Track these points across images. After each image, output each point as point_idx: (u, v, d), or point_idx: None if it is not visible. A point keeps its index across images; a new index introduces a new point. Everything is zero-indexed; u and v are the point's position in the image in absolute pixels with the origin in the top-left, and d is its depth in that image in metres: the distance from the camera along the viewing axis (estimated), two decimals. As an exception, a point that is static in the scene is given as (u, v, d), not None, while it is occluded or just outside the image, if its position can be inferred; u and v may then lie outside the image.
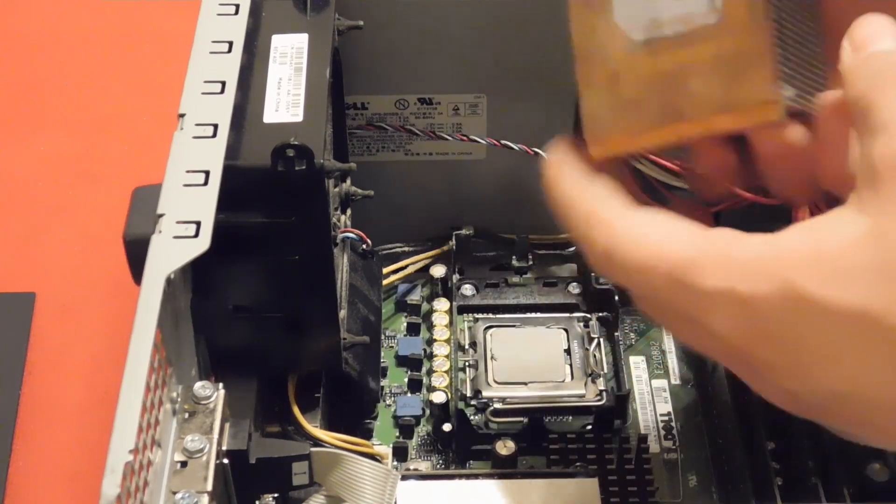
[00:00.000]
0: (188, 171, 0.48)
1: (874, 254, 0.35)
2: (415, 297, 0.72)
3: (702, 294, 0.38)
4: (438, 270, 0.72)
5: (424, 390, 0.68)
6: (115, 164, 0.83)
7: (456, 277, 0.72)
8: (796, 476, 0.58)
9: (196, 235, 0.46)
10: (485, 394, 0.65)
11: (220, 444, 0.47)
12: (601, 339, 0.68)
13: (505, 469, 0.60)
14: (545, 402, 0.65)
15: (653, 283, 0.40)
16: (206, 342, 0.53)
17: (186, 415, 0.47)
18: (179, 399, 0.47)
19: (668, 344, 0.71)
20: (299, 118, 0.52)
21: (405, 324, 0.71)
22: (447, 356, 0.68)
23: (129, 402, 0.41)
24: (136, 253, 0.46)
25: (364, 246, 0.66)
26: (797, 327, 0.36)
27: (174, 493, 0.44)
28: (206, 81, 0.52)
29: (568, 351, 0.68)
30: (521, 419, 0.64)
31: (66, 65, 0.91)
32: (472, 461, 0.65)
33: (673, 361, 0.70)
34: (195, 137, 0.50)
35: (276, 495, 0.54)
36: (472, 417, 0.64)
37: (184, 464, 0.45)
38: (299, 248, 0.53)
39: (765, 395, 0.40)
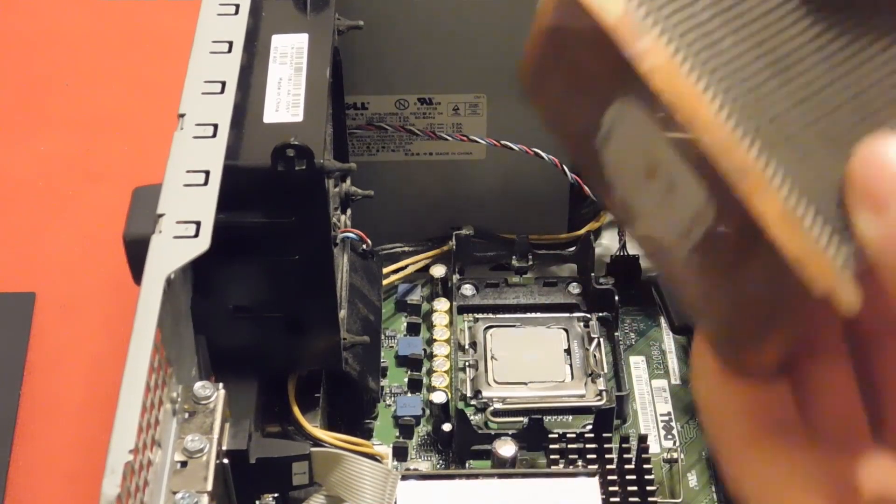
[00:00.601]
0: (188, 171, 0.48)
1: None
2: (415, 297, 0.72)
3: None
4: (438, 270, 0.72)
5: (424, 390, 0.68)
6: (116, 164, 0.83)
7: (456, 277, 0.72)
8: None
9: (196, 235, 0.46)
10: (485, 394, 0.65)
11: (220, 444, 0.47)
12: (601, 339, 0.68)
13: (505, 469, 0.60)
14: (545, 402, 0.65)
15: None
16: (206, 342, 0.53)
17: (186, 415, 0.47)
18: (179, 399, 0.47)
19: (669, 344, 0.71)
20: (299, 118, 0.52)
21: (405, 324, 0.71)
22: (447, 356, 0.68)
23: (129, 402, 0.41)
24: (137, 253, 0.47)
25: (364, 246, 0.66)
26: None
27: (174, 493, 0.44)
28: (206, 81, 0.52)
29: (568, 351, 0.68)
30: (521, 419, 0.64)
31: (66, 65, 0.91)
32: (471, 461, 0.65)
33: (673, 361, 0.70)
34: (195, 137, 0.50)
35: (276, 495, 0.54)
36: (472, 417, 0.64)
37: (184, 464, 0.45)
38: (299, 248, 0.53)
39: None
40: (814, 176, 0.27)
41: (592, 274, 0.70)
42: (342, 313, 0.60)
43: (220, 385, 0.48)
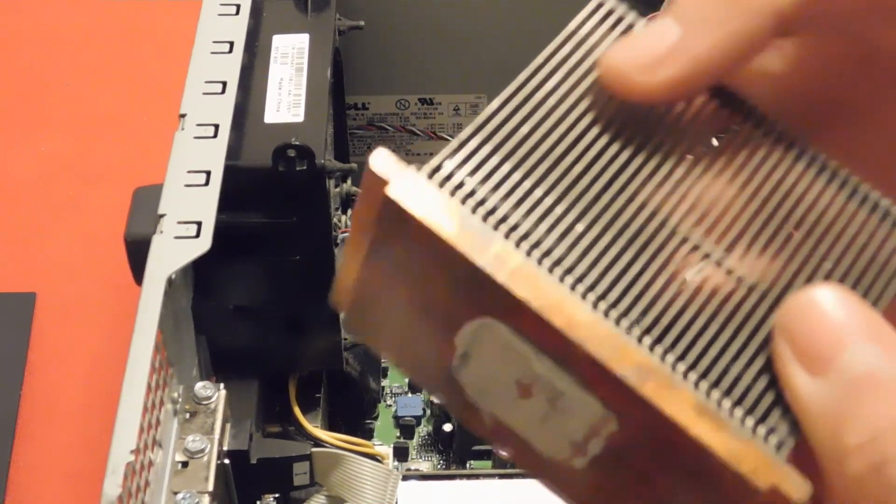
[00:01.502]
0: (189, 172, 0.48)
1: None
2: (415, 298, 0.72)
3: None
4: (439, 270, 0.72)
5: (425, 390, 0.68)
6: (116, 164, 0.83)
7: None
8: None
9: (197, 236, 0.46)
10: (485, 394, 0.65)
11: (221, 444, 0.47)
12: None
13: (506, 469, 0.60)
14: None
15: None
16: (207, 342, 0.53)
17: (187, 415, 0.47)
18: (180, 399, 0.47)
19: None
20: (300, 118, 0.52)
21: (406, 324, 0.71)
22: (448, 356, 0.68)
23: (130, 402, 0.41)
24: (137, 253, 0.47)
25: (365, 246, 0.66)
26: None
27: (175, 493, 0.44)
28: (207, 81, 0.52)
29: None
30: (521, 419, 0.64)
31: (66, 65, 0.91)
32: (472, 461, 0.65)
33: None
34: (196, 137, 0.50)
35: (277, 495, 0.54)
36: (472, 417, 0.64)
37: (185, 464, 0.45)
38: (300, 249, 0.53)
39: None
40: (719, 354, 0.24)
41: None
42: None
43: (221, 385, 0.48)
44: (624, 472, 0.25)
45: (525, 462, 0.27)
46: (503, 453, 0.27)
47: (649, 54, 0.24)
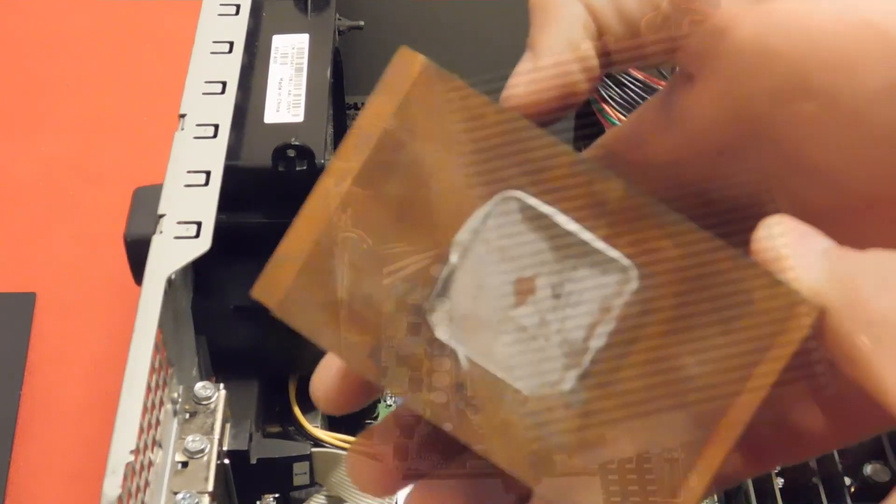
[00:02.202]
0: (189, 172, 0.48)
1: None
2: (415, 297, 0.72)
3: None
4: (439, 270, 0.72)
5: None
6: (116, 164, 0.83)
7: (456, 277, 0.72)
8: (797, 476, 0.58)
9: (197, 236, 0.46)
10: (485, 394, 0.65)
11: (220, 444, 0.47)
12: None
13: (505, 469, 0.60)
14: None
15: None
16: (207, 342, 0.53)
17: (187, 415, 0.47)
18: (180, 399, 0.47)
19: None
20: (300, 118, 0.52)
21: (406, 324, 0.71)
22: (448, 356, 0.68)
23: (129, 402, 0.41)
24: (137, 253, 0.47)
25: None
26: None
27: (175, 493, 0.44)
28: (206, 82, 0.52)
29: (568, 351, 0.68)
30: (521, 419, 0.64)
31: (66, 65, 0.91)
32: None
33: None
34: (196, 138, 0.50)
35: (276, 495, 0.54)
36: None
37: (185, 464, 0.45)
38: (300, 249, 0.53)
39: None
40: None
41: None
42: (343, 313, 0.60)
43: (221, 385, 0.48)
44: (629, 360, 0.25)
45: (490, 426, 0.27)
46: (451, 429, 0.27)
47: (513, 77, 0.31)
